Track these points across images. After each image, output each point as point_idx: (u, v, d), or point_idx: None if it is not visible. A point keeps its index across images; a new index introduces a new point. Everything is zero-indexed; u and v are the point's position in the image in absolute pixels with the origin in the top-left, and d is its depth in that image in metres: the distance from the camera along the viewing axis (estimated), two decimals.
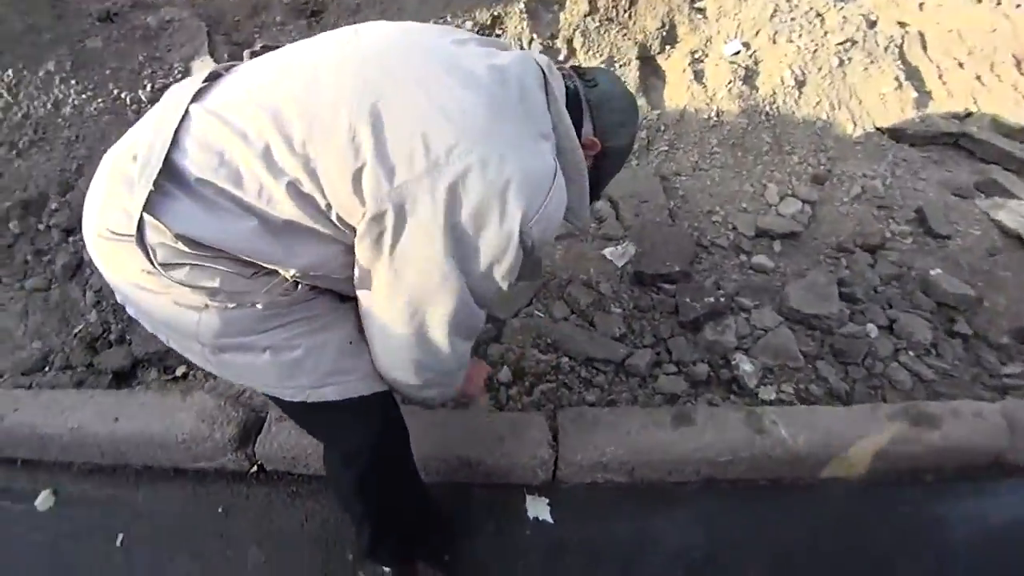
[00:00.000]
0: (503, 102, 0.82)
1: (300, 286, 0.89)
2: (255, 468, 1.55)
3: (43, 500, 1.52)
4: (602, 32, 2.46)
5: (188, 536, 1.45)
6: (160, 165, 0.76)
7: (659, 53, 2.50)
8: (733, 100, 2.34)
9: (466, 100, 0.79)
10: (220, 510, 1.49)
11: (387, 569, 1.30)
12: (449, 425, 1.50)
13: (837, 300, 1.86)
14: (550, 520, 1.45)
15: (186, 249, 0.78)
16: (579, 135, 0.94)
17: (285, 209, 0.79)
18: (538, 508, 1.46)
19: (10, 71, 2.29)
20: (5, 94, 2.27)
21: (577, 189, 0.97)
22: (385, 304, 0.87)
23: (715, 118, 2.36)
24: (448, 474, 1.47)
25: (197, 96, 0.82)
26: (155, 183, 0.75)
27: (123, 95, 2.33)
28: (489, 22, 2.46)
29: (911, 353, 1.73)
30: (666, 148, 2.37)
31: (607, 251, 2.05)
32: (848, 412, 1.54)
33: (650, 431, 1.47)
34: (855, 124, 2.37)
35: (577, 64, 1.08)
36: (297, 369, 0.91)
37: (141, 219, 0.76)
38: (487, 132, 0.79)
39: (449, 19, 2.47)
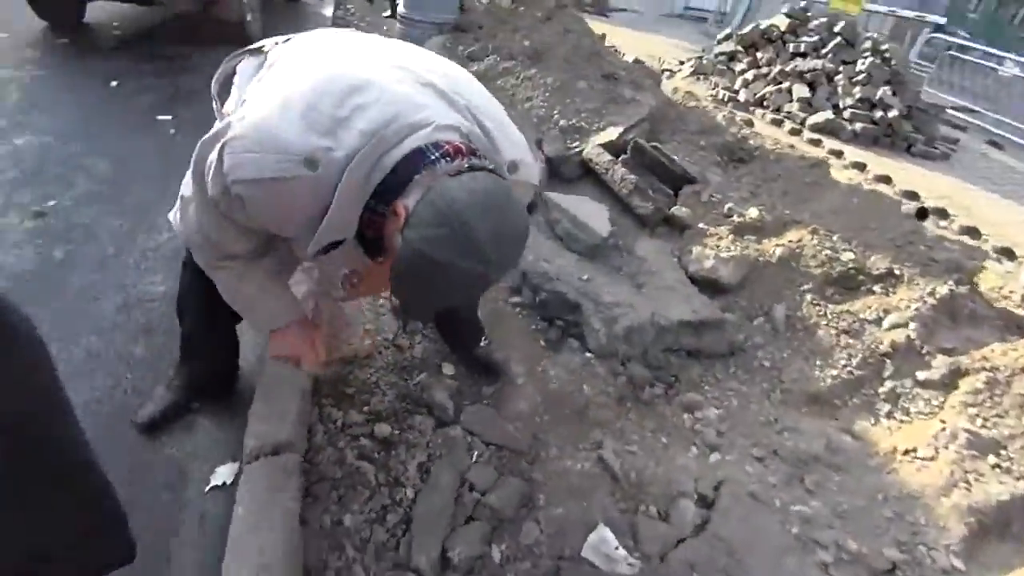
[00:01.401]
0: (326, 92, 0.90)
1: None
2: None
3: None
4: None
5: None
6: (270, 43, 1.16)
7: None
8: None
9: (310, 75, 0.94)
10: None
11: None
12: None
13: None
14: (207, 492, 1.32)
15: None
16: (393, 197, 0.87)
17: None
18: (220, 476, 1.35)
19: None
20: None
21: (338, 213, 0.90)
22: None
23: None
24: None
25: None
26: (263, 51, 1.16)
27: None
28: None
29: None
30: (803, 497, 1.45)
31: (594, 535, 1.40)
32: None
33: None
34: None
35: None
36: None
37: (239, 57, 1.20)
38: (286, 98, 0.90)
39: None
